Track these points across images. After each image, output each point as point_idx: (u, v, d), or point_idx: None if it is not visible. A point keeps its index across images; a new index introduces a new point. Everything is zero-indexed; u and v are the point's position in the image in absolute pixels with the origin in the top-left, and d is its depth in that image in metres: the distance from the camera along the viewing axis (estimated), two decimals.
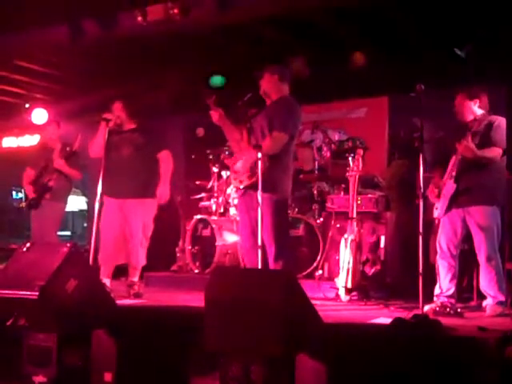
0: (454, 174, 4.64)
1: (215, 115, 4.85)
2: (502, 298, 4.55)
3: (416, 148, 4.73)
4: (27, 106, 9.64)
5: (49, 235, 6.18)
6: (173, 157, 5.63)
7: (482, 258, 4.58)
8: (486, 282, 4.58)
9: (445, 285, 4.68)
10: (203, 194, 7.33)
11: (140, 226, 5.39)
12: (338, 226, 5.84)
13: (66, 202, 6.57)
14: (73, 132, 6.50)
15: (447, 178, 4.68)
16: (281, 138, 4.69)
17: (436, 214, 4.75)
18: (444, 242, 4.70)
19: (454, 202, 4.65)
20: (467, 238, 4.73)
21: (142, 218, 5.41)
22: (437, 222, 4.83)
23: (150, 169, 5.47)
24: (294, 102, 4.84)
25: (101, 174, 5.02)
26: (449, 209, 4.68)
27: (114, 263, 5.44)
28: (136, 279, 5.49)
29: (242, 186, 4.81)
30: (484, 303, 4.65)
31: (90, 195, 9.25)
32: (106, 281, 5.24)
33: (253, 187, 4.64)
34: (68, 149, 6.26)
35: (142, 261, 5.48)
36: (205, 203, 7.23)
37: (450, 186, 4.65)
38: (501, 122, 4.67)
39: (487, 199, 4.62)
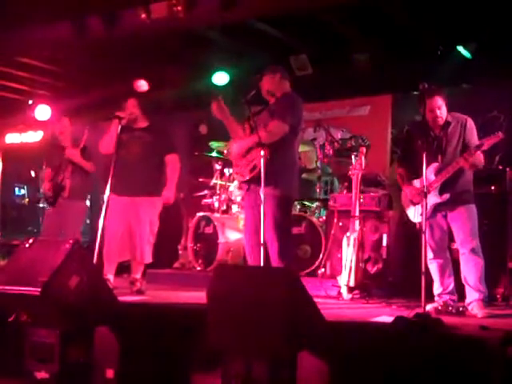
0: (437, 185, 4.55)
1: (214, 105, 4.86)
2: (485, 290, 4.49)
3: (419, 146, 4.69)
4: (30, 102, 9.66)
5: (69, 234, 5.94)
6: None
7: (468, 248, 4.50)
8: (473, 273, 4.48)
9: (444, 282, 4.64)
10: (206, 192, 7.33)
11: (147, 223, 5.43)
12: (340, 224, 5.83)
13: (84, 200, 6.50)
14: (78, 129, 6.45)
15: (432, 190, 4.54)
16: (280, 127, 4.69)
17: (416, 219, 4.65)
18: (436, 240, 4.63)
19: (438, 208, 4.60)
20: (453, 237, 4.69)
21: (150, 215, 5.45)
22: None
23: (157, 167, 5.52)
24: (297, 96, 4.92)
25: (110, 172, 4.99)
26: (433, 215, 4.63)
27: (118, 260, 5.46)
28: (138, 276, 5.50)
29: (243, 180, 4.82)
30: (468, 300, 4.51)
31: (92, 192, 9.22)
32: (110, 277, 5.26)
33: (256, 181, 4.64)
34: (77, 144, 6.20)
35: (148, 258, 5.50)
36: (207, 200, 7.23)
37: (434, 198, 4.55)
38: (470, 122, 4.64)
39: (471, 199, 4.62)
